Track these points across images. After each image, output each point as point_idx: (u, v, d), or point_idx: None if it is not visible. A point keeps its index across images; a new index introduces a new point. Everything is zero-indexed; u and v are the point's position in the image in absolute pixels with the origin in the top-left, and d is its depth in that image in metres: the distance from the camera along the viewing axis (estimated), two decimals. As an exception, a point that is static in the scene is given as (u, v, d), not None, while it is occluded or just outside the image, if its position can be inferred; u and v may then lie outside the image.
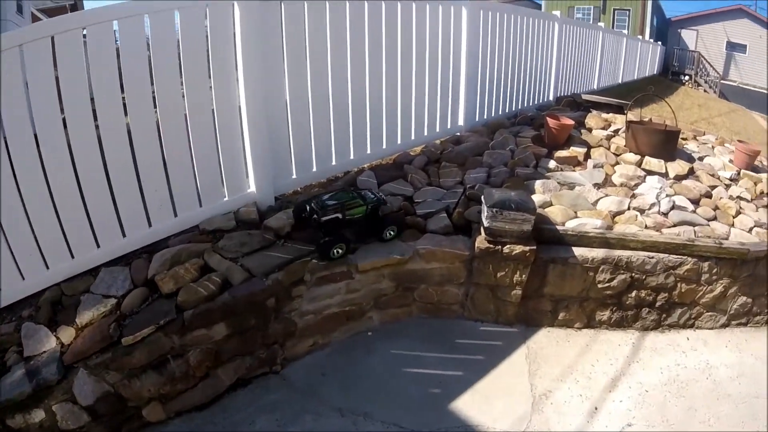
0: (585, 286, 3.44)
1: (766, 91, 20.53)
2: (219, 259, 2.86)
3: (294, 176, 3.71)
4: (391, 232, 3.32)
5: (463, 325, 3.47)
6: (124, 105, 2.77)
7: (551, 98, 7.39)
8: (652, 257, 3.42)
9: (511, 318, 3.49)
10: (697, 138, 6.23)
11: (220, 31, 3.05)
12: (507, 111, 6.12)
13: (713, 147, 5.77)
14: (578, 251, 3.38)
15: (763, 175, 5.02)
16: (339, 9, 3.75)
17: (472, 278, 3.38)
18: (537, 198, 3.79)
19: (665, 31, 24.58)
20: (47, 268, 2.70)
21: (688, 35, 23.82)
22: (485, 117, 5.67)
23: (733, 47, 22.79)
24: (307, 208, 3.12)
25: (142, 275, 2.75)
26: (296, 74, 3.52)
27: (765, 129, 12.28)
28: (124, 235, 2.91)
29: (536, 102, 6.95)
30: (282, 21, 3.35)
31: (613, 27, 21.46)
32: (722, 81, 22.02)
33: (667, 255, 3.44)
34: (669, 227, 3.69)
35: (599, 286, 3.43)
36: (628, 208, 3.85)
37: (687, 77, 22.09)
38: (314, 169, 3.85)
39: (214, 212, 3.26)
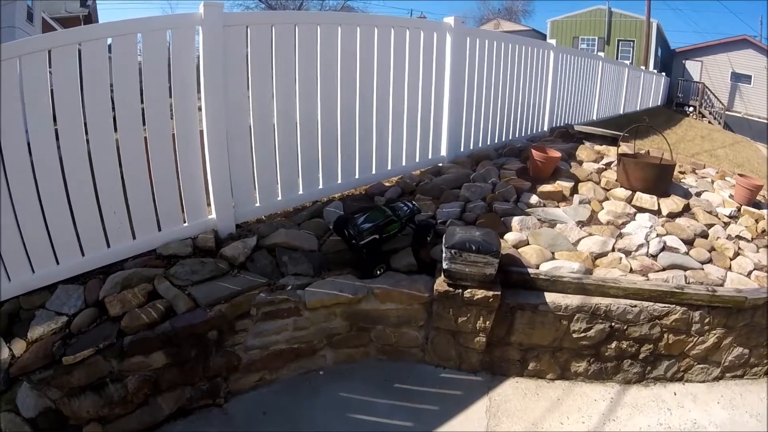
0: (557, 335, 3.13)
1: (766, 121, 20.32)
2: (168, 285, 2.82)
3: (257, 204, 3.60)
4: (429, 237, 3.43)
5: (422, 370, 3.20)
6: (86, 126, 2.77)
7: (545, 129, 7.14)
8: (635, 306, 3.10)
9: (475, 365, 3.19)
10: (696, 171, 5.95)
11: (183, 56, 3.02)
12: (495, 141, 5.86)
13: (713, 181, 5.48)
14: (551, 297, 3.08)
15: (765, 212, 4.72)
16: (309, 32, 3.62)
17: (432, 322, 3.11)
18: (512, 236, 3.51)
19: (670, 62, 24.51)
20: (9, 280, 2.69)
21: (692, 66, 23.72)
22: (471, 147, 5.41)
23: (737, 78, 22.61)
24: (346, 233, 3.19)
25: (94, 296, 2.75)
26: (261, 100, 3.44)
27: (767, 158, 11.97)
28: (83, 254, 2.89)
29: (529, 132, 6.69)
30: (248, 45, 3.28)
31: (617, 58, 21.48)
32: (727, 112, 21.80)
33: (652, 303, 3.13)
34: (657, 271, 3.38)
35: (574, 335, 3.13)
36: (613, 250, 3.55)
37: (691, 108, 21.91)
38: (279, 198, 3.73)
39: (172, 237, 3.20)
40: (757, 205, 4.82)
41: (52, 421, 2.41)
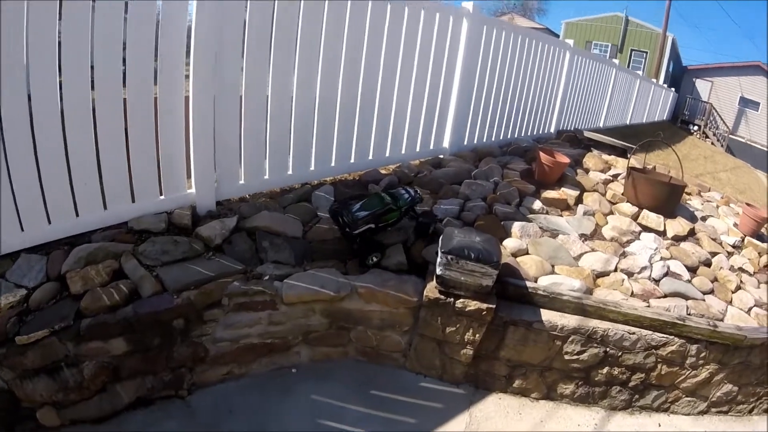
0: (549, 355, 2.93)
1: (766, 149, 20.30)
2: (135, 264, 2.55)
3: (242, 181, 3.32)
4: (430, 230, 3.24)
5: (402, 377, 2.97)
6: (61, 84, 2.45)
7: (552, 130, 6.90)
8: (633, 333, 2.90)
9: (458, 377, 2.98)
10: (702, 194, 5.77)
11: (173, 17, 2.71)
12: (501, 138, 5.62)
13: (718, 206, 5.31)
14: (547, 315, 2.87)
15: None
16: (313, 7, 3.31)
17: (418, 328, 2.88)
18: (511, 243, 3.28)
19: (680, 78, 24.32)
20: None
21: (702, 85, 23.54)
22: (474, 142, 5.17)
23: (745, 103, 22.49)
24: (340, 220, 2.95)
25: (57, 269, 2.47)
26: (256, 70, 3.13)
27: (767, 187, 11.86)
28: (49, 222, 2.58)
29: (535, 132, 6.45)
30: (247, 10, 2.97)
31: (628, 67, 21.20)
32: (731, 135, 21.71)
33: (651, 332, 2.93)
34: (659, 297, 3.19)
35: (566, 357, 2.92)
36: (615, 270, 3.34)
37: (696, 127, 21.78)
38: (266, 177, 3.45)
39: (147, 210, 2.90)
40: (761, 238, 4.68)
41: (4, 402, 2.22)
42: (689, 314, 3.09)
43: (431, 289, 2.76)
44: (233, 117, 3.10)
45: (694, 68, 24.45)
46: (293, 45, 3.27)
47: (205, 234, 2.84)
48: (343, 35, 3.54)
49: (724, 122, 22.07)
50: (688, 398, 3.19)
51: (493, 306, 2.70)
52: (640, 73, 12.61)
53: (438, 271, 2.69)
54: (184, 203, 3.04)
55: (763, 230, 4.81)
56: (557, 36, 24.19)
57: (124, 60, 2.62)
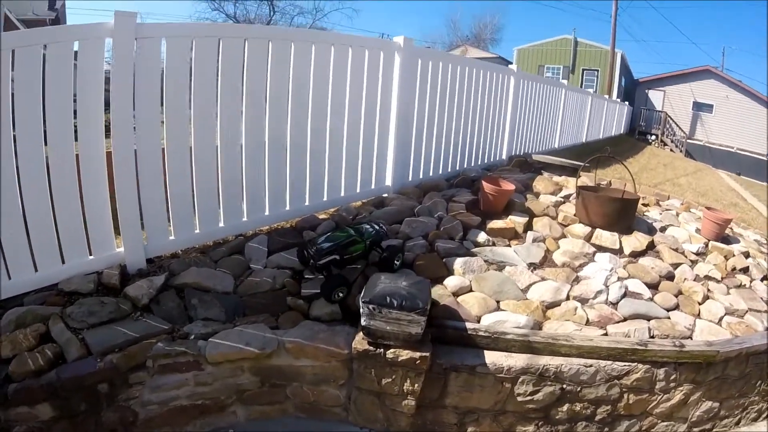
0: (499, 398, 2.69)
1: (731, 150, 20.72)
2: (62, 327, 2.54)
3: (172, 237, 3.25)
4: (397, 262, 3.20)
5: (346, 431, 2.77)
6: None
7: (504, 157, 6.78)
8: (591, 365, 2.69)
9: (405, 428, 2.73)
10: (660, 203, 5.66)
11: (89, 71, 2.74)
12: (449, 170, 5.45)
13: (678, 213, 5.21)
14: (491, 357, 2.65)
15: (735, 247, 4.41)
16: (235, 47, 3.26)
17: (354, 381, 2.65)
18: (453, 282, 3.07)
19: (633, 91, 24.93)
20: None
21: (655, 96, 24.15)
22: (420, 176, 4.98)
23: (699, 107, 23.09)
24: (305, 253, 3.00)
25: None
26: (177, 120, 3.09)
27: (732, 188, 11.93)
28: None
29: (486, 161, 6.31)
30: (164, 59, 2.98)
31: (582, 86, 21.76)
32: (688, 140, 22.19)
33: (610, 362, 2.72)
34: (617, 322, 2.99)
35: (519, 399, 2.69)
36: (567, 298, 3.13)
37: (654, 137, 22.21)
38: (197, 231, 3.36)
39: (77, 270, 2.89)
40: (726, 240, 4.54)
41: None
42: (652, 336, 2.89)
43: (359, 341, 2.56)
44: (156, 172, 3.04)
45: (645, 80, 25.11)
46: (214, 93, 3.20)
47: (133, 294, 2.79)
48: (266, 80, 3.45)
49: (680, 128, 22.59)
50: (665, 423, 2.97)
51: (427, 354, 2.49)
52: (591, 90, 12.77)
53: (363, 321, 2.50)
54: (113, 262, 3.00)
55: (727, 231, 4.68)
56: (510, 63, 24.75)
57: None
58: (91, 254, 2.93)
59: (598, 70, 23.83)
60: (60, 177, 2.73)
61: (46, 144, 2.68)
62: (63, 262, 2.84)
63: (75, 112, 2.73)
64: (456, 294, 3.03)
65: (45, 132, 2.66)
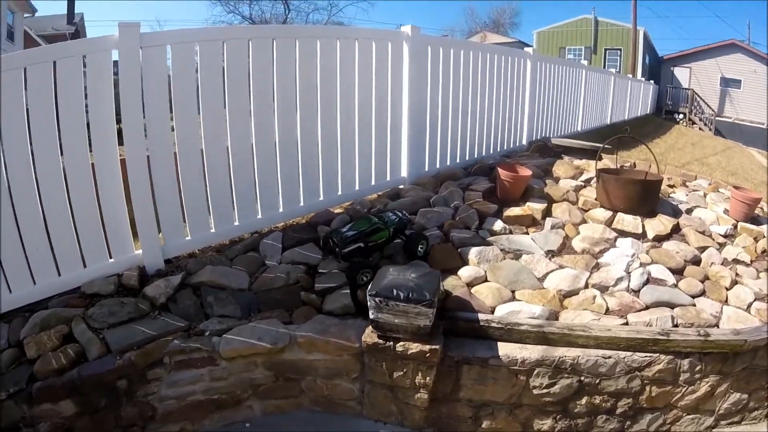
0: (514, 391, 2.63)
1: (763, 126, 19.95)
2: (84, 328, 2.65)
3: (189, 237, 3.33)
4: (421, 248, 3.24)
5: (360, 425, 2.80)
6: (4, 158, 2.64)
7: (524, 142, 6.64)
8: (609, 357, 2.60)
9: (419, 422, 2.71)
10: (687, 184, 5.48)
11: (99, 82, 2.85)
12: (466, 159, 5.35)
13: (705, 194, 5.01)
14: (505, 349, 2.59)
15: (765, 228, 4.21)
16: (239, 48, 3.31)
17: (366, 374, 2.64)
18: (467, 272, 3.01)
19: (658, 69, 24.20)
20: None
21: (681, 73, 23.38)
22: (437, 166, 4.91)
23: (727, 83, 22.23)
24: (330, 242, 3.09)
25: (17, 336, 2.64)
26: (186, 124, 3.18)
27: (764, 166, 11.51)
28: (10, 291, 2.77)
29: (505, 147, 6.19)
30: (169, 60, 3.07)
31: (604, 66, 21.22)
32: (717, 118, 21.43)
33: (630, 353, 2.62)
34: (639, 310, 2.88)
35: (535, 392, 2.63)
36: (586, 286, 3.04)
37: (681, 115, 21.53)
38: (213, 230, 3.43)
39: (98, 274, 3.01)
40: (756, 221, 4.34)
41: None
42: (676, 325, 2.78)
43: (368, 334, 2.55)
44: (169, 175, 3.12)
45: (670, 57, 24.30)
46: (221, 94, 3.26)
47: (151, 294, 2.88)
48: (272, 78, 3.48)
49: (708, 106, 21.80)
50: (691, 416, 2.85)
51: (437, 347, 2.46)
52: (613, 70, 12.43)
53: (371, 314, 2.50)
54: (132, 264, 3.10)
55: (757, 211, 4.49)
56: (529, 47, 24.31)
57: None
58: (111, 258, 3.03)
59: (620, 49, 23.22)
60: (77, 185, 2.85)
61: (62, 155, 2.81)
62: (84, 266, 2.95)
63: (89, 123, 2.84)
64: (470, 284, 2.98)
65: (60, 144, 2.78)
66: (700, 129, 20.33)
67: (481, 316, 2.67)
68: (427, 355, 2.45)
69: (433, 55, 4.64)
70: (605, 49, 23.80)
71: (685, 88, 22.41)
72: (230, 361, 2.62)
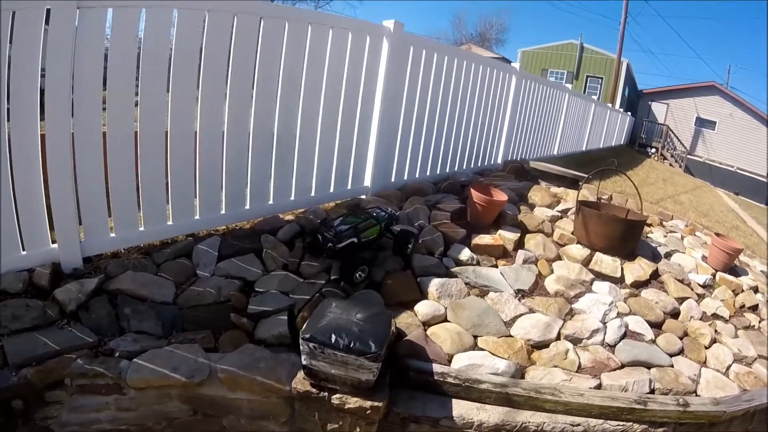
0: (469, 459, 2.22)
1: (731, 169, 20.40)
2: None
3: (113, 234, 2.87)
4: (410, 246, 3.11)
5: None
6: None
7: (499, 161, 6.32)
8: (578, 424, 2.25)
9: None
10: (664, 224, 5.26)
11: (24, 47, 2.37)
12: (437, 172, 4.97)
13: (683, 237, 4.79)
14: (460, 408, 2.20)
15: (744, 280, 3.99)
16: (193, 19, 2.84)
17: (296, 422, 2.23)
18: (425, 308, 2.62)
19: (636, 102, 24.50)
20: None
21: (658, 108, 23.73)
22: (404, 178, 4.51)
23: (702, 123, 22.70)
24: (319, 237, 2.89)
25: None
26: (120, 102, 2.69)
27: (732, 209, 11.58)
28: None
29: (479, 165, 5.84)
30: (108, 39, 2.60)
31: (585, 93, 21.24)
32: (689, 156, 21.81)
33: (602, 421, 2.27)
34: (614, 369, 2.55)
35: (493, 460, 2.22)
36: (558, 337, 2.67)
37: (654, 150, 21.82)
38: (142, 228, 2.97)
39: (10, 266, 2.55)
40: (734, 272, 4.14)
41: None
42: (653, 390, 2.45)
43: (300, 380, 2.14)
44: (95, 160, 2.66)
45: (649, 92, 24.68)
46: (166, 70, 2.80)
47: (61, 298, 2.47)
48: (229, 59, 3.04)
49: (681, 143, 22.25)
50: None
51: (380, 404, 2.05)
52: (594, 98, 12.31)
53: (303, 359, 2.08)
54: (47, 259, 2.64)
55: (736, 262, 4.27)
56: (514, 63, 24.27)
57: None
58: (23, 249, 2.58)
59: (602, 78, 23.42)
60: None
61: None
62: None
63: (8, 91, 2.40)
64: (427, 324, 2.59)
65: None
66: (670, 165, 20.59)
67: (437, 368, 2.28)
68: (368, 412, 2.05)
69: (414, 57, 4.25)
70: (587, 76, 23.98)
71: (661, 124, 22.78)
72: (140, 390, 2.24)
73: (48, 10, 2.35)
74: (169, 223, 3.04)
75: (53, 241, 2.67)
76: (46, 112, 2.47)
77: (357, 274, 2.80)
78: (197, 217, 3.15)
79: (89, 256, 2.81)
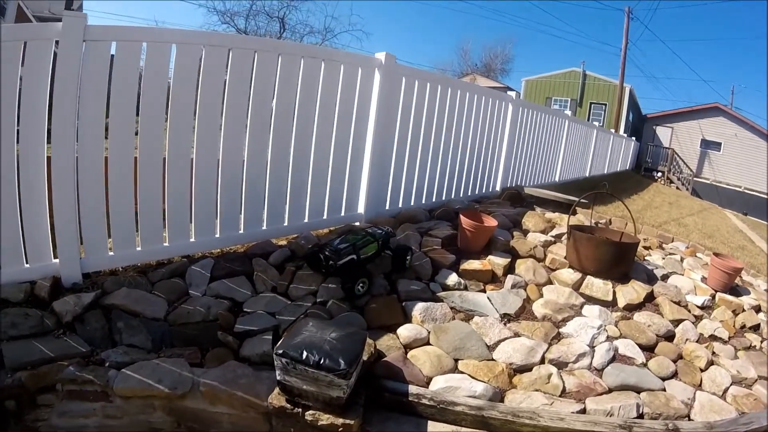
0: (444, 482, 2.21)
1: (739, 189, 20.27)
2: None
3: (112, 253, 3.05)
4: (408, 257, 3.27)
5: None
6: None
7: (498, 189, 6.35)
8: (560, 450, 2.19)
9: None
10: (664, 246, 5.21)
11: (34, 74, 2.59)
12: (432, 200, 5.01)
13: (682, 258, 4.74)
14: (435, 430, 2.19)
15: (745, 300, 3.92)
16: (191, 54, 3.03)
17: None
18: (407, 331, 2.63)
19: (640, 126, 24.58)
20: None
21: (662, 132, 23.77)
22: (399, 205, 4.56)
23: (707, 145, 22.68)
24: (321, 257, 2.98)
25: None
26: (121, 131, 2.87)
27: (740, 229, 11.45)
28: None
29: (476, 192, 5.87)
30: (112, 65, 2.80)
31: (589, 120, 21.36)
32: (695, 178, 21.72)
33: (587, 447, 2.22)
34: (600, 393, 2.51)
35: (467, 483, 2.20)
36: (542, 361, 2.65)
37: (659, 173, 21.78)
38: (139, 248, 3.12)
39: (13, 278, 2.73)
40: (735, 291, 4.06)
41: None
42: (641, 415, 2.41)
43: (276, 396, 2.19)
44: (96, 182, 2.85)
45: (653, 116, 24.73)
46: (164, 102, 2.98)
47: (58, 309, 2.65)
48: (224, 91, 3.21)
49: (687, 166, 22.18)
50: None
51: (352, 422, 2.09)
52: (596, 123, 12.37)
53: (277, 375, 2.15)
54: (48, 273, 2.82)
55: (738, 281, 4.20)
56: (513, 91, 24.48)
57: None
58: (27, 263, 2.76)
59: (606, 104, 23.56)
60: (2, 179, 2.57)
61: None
62: (-2, 268, 2.66)
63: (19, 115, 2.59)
64: (408, 347, 2.60)
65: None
66: (677, 188, 20.53)
67: (412, 389, 2.29)
68: (340, 429, 2.08)
69: (407, 87, 4.35)
70: (591, 103, 24.12)
71: (666, 147, 22.77)
72: (125, 399, 2.35)
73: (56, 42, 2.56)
74: (165, 244, 3.17)
75: (55, 257, 2.82)
76: (53, 135, 2.65)
77: (358, 287, 2.91)
78: (192, 240, 3.27)
79: (88, 272, 2.96)
